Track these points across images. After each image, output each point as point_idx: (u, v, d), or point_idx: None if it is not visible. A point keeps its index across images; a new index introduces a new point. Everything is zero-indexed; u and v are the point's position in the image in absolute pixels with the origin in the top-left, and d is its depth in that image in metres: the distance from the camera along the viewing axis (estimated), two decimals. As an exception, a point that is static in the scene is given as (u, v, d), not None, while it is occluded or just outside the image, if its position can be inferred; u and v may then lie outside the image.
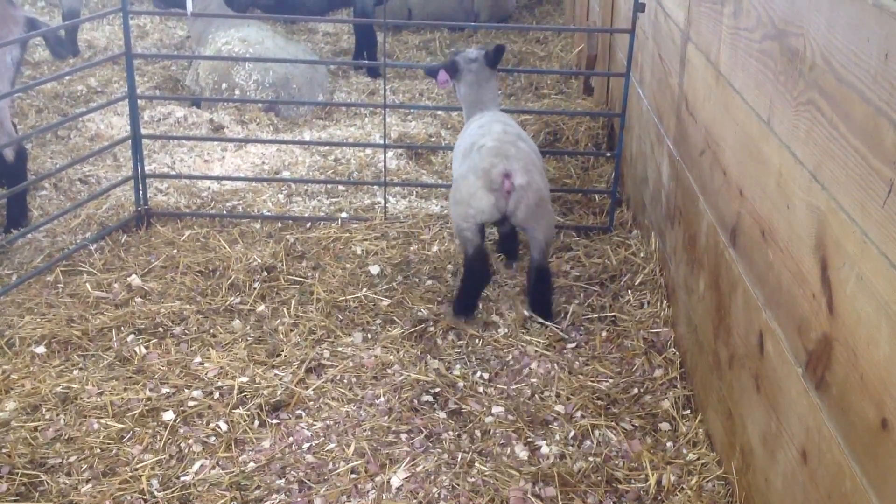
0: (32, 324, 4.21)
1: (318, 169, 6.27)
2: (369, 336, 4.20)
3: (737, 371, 3.10)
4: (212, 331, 4.22)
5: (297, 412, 3.65)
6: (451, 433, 3.51)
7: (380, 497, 3.17)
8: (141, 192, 5.36)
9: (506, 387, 3.83)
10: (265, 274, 4.70)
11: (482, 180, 3.99)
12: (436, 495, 3.18)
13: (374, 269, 4.76)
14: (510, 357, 4.05)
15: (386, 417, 3.59)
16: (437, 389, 3.76)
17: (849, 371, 2.17)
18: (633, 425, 3.59)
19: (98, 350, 4.04)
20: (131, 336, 4.14)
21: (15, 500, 3.15)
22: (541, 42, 9.76)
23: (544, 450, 3.43)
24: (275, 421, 3.59)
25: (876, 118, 2.02)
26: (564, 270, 4.81)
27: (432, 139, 6.78)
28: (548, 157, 6.16)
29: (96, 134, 6.73)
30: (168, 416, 3.58)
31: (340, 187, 5.96)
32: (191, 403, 3.67)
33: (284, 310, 4.39)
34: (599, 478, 3.27)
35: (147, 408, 3.63)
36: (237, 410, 3.62)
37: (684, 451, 3.43)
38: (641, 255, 4.83)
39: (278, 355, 4.02)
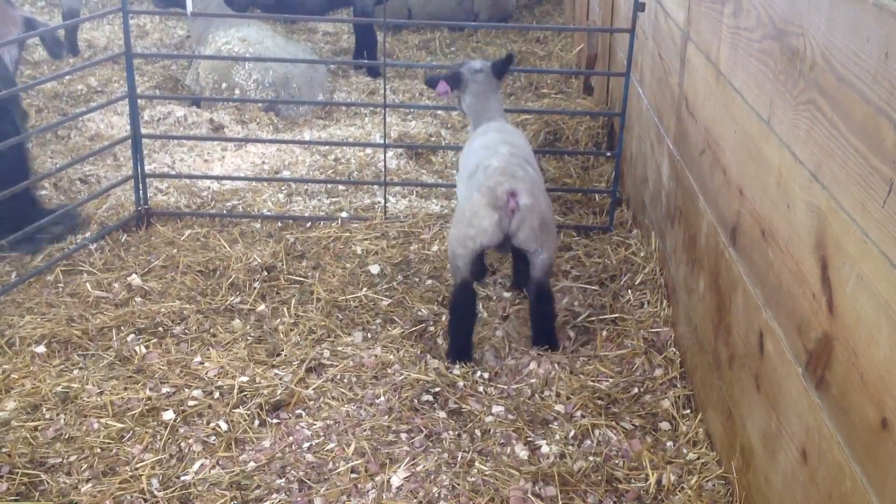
0: (32, 323, 4.22)
1: (318, 168, 6.27)
2: (369, 335, 4.20)
3: (737, 370, 3.10)
4: (212, 330, 4.22)
5: (298, 412, 3.65)
6: (451, 433, 3.51)
7: (380, 496, 3.17)
8: (141, 191, 5.36)
9: (506, 386, 3.83)
10: (265, 273, 4.70)
11: (487, 198, 3.85)
12: (436, 495, 3.18)
13: (375, 269, 4.76)
14: (510, 357, 4.05)
15: (386, 417, 3.59)
16: (438, 389, 3.76)
17: (849, 371, 2.17)
18: (633, 425, 3.59)
19: (98, 349, 4.04)
20: (131, 335, 4.14)
21: (15, 500, 3.15)
22: (541, 41, 9.77)
23: (544, 449, 3.43)
24: (275, 420, 3.59)
25: (876, 118, 2.02)
26: (564, 270, 4.81)
27: (432, 139, 6.79)
28: (548, 157, 6.17)
29: (96, 133, 6.73)
30: (168, 415, 3.58)
31: (340, 187, 5.96)
32: (191, 403, 3.67)
33: (284, 309, 4.39)
34: (599, 477, 3.27)
35: (147, 407, 3.63)
36: (237, 410, 3.62)
37: (684, 451, 3.43)
38: (641, 254, 4.83)
39: (278, 355, 4.03)
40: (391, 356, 3.99)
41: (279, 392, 3.72)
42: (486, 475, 3.26)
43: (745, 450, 2.99)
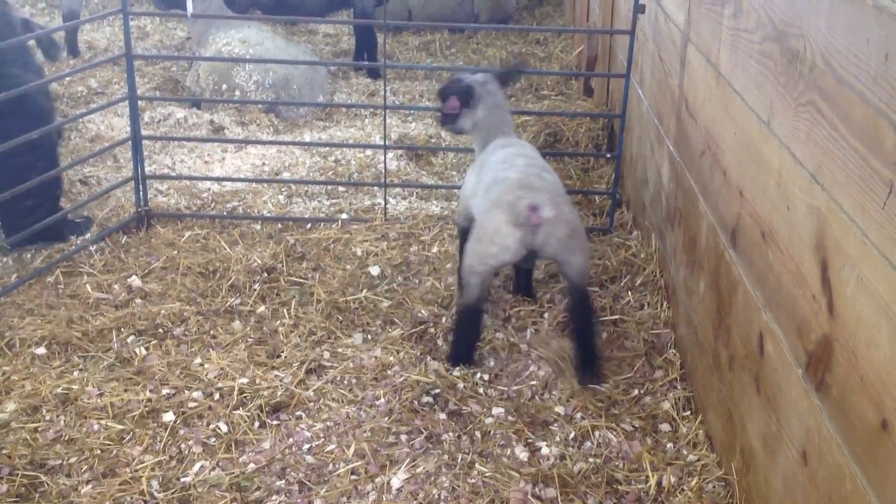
0: (33, 325, 4.21)
1: (318, 170, 6.27)
2: (369, 337, 4.20)
3: (737, 372, 3.10)
4: (212, 332, 4.22)
5: (298, 413, 3.65)
6: (451, 434, 3.51)
7: (380, 498, 3.17)
8: (141, 193, 5.36)
9: (506, 388, 3.83)
10: (265, 275, 4.70)
11: (507, 214, 3.65)
12: (436, 496, 3.17)
13: (375, 270, 4.76)
14: (510, 358, 4.05)
15: (386, 418, 3.59)
16: (438, 390, 3.75)
17: (849, 372, 2.17)
18: (633, 426, 3.59)
19: (98, 351, 4.03)
20: (131, 337, 4.14)
21: (15, 502, 3.15)
22: (541, 43, 9.78)
23: (544, 451, 3.43)
24: (275, 422, 3.59)
25: (876, 119, 2.02)
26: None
27: (432, 140, 6.79)
28: (548, 159, 6.16)
29: (96, 135, 6.73)
30: (168, 417, 3.58)
31: (341, 188, 5.96)
32: (191, 404, 3.67)
33: (284, 311, 4.39)
34: (600, 479, 3.27)
35: (147, 409, 3.63)
36: (237, 411, 3.62)
37: (684, 453, 3.43)
38: (641, 256, 4.83)
39: (278, 356, 4.02)
40: (391, 358, 3.99)
41: (279, 393, 3.71)
42: (486, 477, 3.26)
43: (746, 451, 2.99)
